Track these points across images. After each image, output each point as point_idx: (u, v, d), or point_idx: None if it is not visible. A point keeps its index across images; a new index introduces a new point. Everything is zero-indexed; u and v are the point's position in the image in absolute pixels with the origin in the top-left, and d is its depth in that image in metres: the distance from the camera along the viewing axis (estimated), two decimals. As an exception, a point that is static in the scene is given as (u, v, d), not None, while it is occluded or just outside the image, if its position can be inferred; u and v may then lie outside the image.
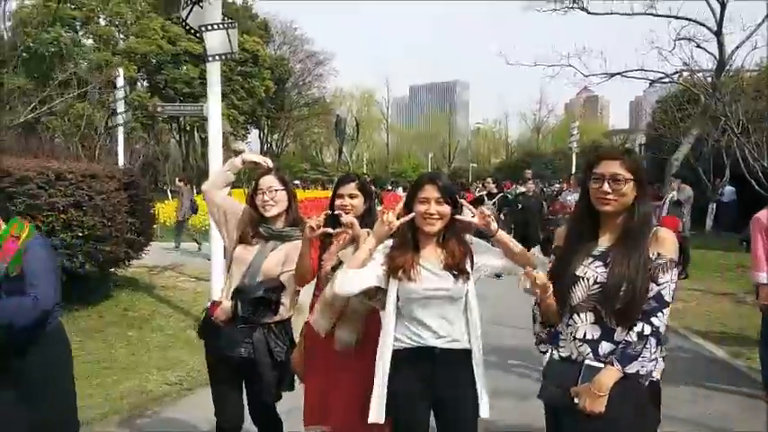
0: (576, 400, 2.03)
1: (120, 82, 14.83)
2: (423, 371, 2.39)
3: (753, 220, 4.50)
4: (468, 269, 2.39)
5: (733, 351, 5.79)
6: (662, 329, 2.04)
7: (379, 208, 8.63)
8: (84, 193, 6.12)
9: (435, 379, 2.40)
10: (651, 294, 2.04)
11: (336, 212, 2.68)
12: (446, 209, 2.36)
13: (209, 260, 11.51)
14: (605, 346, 2.08)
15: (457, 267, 2.36)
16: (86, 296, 6.82)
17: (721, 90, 12.52)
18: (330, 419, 2.72)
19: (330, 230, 2.61)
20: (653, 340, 2.02)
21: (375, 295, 2.44)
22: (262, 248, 2.82)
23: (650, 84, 17.58)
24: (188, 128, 30.98)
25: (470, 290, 2.40)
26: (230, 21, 6.31)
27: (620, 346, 2.04)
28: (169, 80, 26.98)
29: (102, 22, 24.05)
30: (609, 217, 2.14)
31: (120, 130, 14.48)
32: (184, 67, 27.15)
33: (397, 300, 2.38)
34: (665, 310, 2.03)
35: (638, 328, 2.02)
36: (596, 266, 2.11)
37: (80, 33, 25.25)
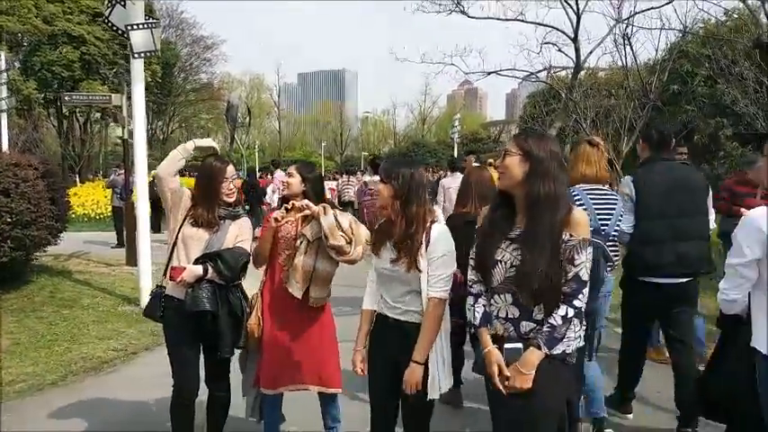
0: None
1: (2, 65, 14.23)
2: (381, 336, 2.62)
3: None
4: (418, 262, 2.44)
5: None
6: (583, 308, 2.08)
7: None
8: (11, 180, 6.40)
9: (390, 346, 2.56)
10: (570, 276, 2.06)
11: (285, 195, 3.26)
12: (381, 186, 2.54)
13: (112, 248, 11.75)
14: (525, 325, 2.12)
15: (402, 256, 2.46)
16: (10, 281, 7.08)
17: (577, 89, 14.61)
18: (303, 375, 3.20)
19: (292, 219, 3.15)
20: (576, 321, 2.07)
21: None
22: (220, 226, 3.13)
23: (521, 81, 19.67)
24: (67, 113, 29.23)
25: (423, 276, 2.44)
26: (154, 20, 6.85)
27: (546, 329, 2.07)
28: (45, 63, 25.30)
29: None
30: (519, 198, 2.16)
31: (4, 117, 13.94)
32: (63, 49, 25.60)
33: None
34: (584, 291, 2.08)
35: (561, 312, 2.05)
36: (512, 249, 2.12)
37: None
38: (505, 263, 2.12)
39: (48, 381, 4.76)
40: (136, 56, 6.60)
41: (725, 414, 2.73)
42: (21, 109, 23.51)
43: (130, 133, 9.29)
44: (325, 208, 3.06)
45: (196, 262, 3.04)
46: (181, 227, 3.13)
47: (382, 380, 2.64)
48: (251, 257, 3.23)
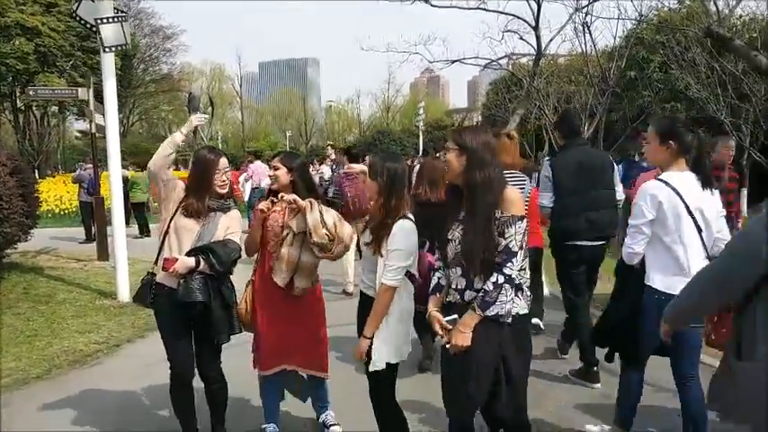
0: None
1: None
2: (366, 313, 2.88)
3: None
4: (382, 248, 2.71)
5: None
6: (514, 275, 2.35)
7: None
8: (-19, 178, 6.34)
9: (359, 322, 2.94)
10: (501, 249, 2.35)
11: (274, 188, 3.36)
12: (369, 182, 2.81)
13: (80, 243, 11.62)
14: (468, 294, 2.44)
15: (373, 241, 2.77)
16: (-19, 278, 7.01)
17: (540, 76, 15.00)
18: (294, 358, 3.35)
19: (279, 208, 3.29)
20: (507, 286, 2.35)
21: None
22: (211, 218, 3.21)
23: (483, 68, 19.99)
24: (23, 108, 28.31)
25: (380, 261, 2.72)
26: (123, 13, 6.83)
27: (480, 294, 2.37)
28: (-1, 55, 24.51)
29: None
30: (462, 186, 2.47)
31: (-40, 112, 13.55)
32: (16, 41, 24.73)
33: None
34: (513, 260, 2.34)
35: (493, 279, 2.34)
36: (459, 229, 2.45)
37: None
38: (455, 241, 2.45)
39: (32, 375, 4.78)
40: (107, 50, 6.58)
41: (611, 340, 3.34)
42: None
43: (98, 127, 9.22)
44: (311, 203, 3.16)
45: (189, 254, 3.11)
46: (173, 217, 3.19)
47: None
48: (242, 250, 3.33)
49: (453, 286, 2.51)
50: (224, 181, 3.25)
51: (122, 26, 6.60)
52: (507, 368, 2.43)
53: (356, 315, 3.03)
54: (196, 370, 3.35)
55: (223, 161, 3.26)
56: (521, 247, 2.36)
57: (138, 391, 4.41)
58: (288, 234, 3.23)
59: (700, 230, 2.92)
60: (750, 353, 1.85)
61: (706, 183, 2.95)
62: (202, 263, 3.09)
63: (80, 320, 6.18)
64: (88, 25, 6.67)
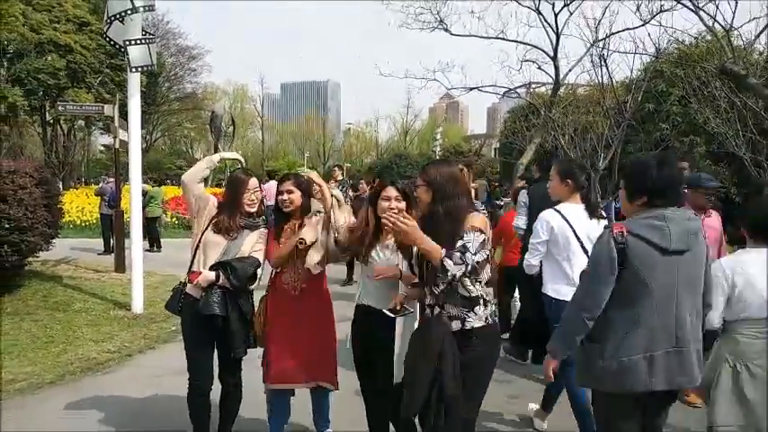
0: None
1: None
2: (362, 324, 3.15)
3: None
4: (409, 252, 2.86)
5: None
6: (476, 294, 2.57)
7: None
8: (9, 188, 6.60)
9: (367, 330, 3.13)
10: (458, 245, 2.51)
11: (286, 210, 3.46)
12: (403, 204, 3.00)
13: (98, 255, 11.86)
14: (436, 309, 2.63)
15: (404, 249, 2.90)
16: (4, 284, 7.23)
17: (557, 105, 15.09)
18: (302, 374, 3.40)
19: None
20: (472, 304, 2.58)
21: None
22: (239, 235, 3.38)
23: (501, 96, 20.13)
24: (51, 121, 29.17)
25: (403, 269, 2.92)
26: (150, 35, 7.13)
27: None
28: (31, 70, 25.23)
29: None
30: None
31: (-9, 124, 14.00)
32: (49, 57, 25.61)
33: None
34: (467, 253, 2.49)
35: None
36: None
37: None
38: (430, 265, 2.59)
39: (46, 380, 4.93)
40: (134, 70, 6.85)
41: (527, 337, 4.42)
42: (5, 116, 23.46)
43: (121, 143, 9.51)
44: (339, 201, 3.27)
45: (212, 268, 3.30)
46: (204, 232, 3.38)
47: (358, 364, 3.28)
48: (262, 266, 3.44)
49: (428, 302, 2.68)
50: (252, 200, 3.42)
51: (149, 48, 6.89)
52: (442, 382, 2.46)
53: (358, 326, 3.18)
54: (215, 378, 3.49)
55: (253, 181, 3.45)
56: (475, 253, 2.47)
57: (148, 399, 4.53)
58: (320, 218, 3.33)
59: (586, 251, 3.48)
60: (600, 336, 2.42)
61: (592, 213, 3.70)
62: (222, 277, 3.26)
63: (95, 329, 6.34)
64: (117, 46, 6.95)
